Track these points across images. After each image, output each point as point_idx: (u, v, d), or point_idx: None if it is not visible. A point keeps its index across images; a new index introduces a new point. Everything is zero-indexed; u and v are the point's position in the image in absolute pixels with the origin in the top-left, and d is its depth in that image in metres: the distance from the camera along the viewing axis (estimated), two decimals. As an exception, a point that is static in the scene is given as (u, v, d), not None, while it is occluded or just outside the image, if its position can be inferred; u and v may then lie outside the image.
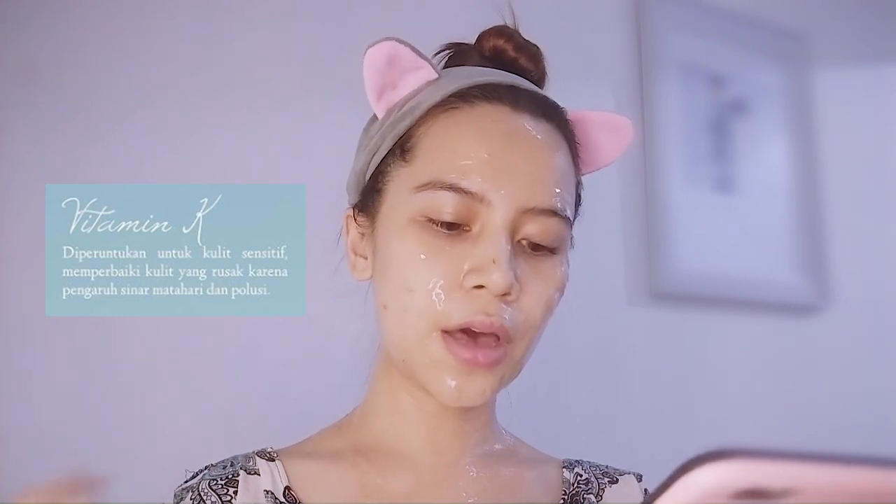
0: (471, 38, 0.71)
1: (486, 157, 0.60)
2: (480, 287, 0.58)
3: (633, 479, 0.71)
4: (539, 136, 0.62)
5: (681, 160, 1.40)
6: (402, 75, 0.64)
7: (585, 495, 0.68)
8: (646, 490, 0.71)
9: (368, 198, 0.66)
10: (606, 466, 0.72)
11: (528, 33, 0.71)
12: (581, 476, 0.69)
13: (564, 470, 0.70)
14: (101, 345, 0.96)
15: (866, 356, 1.56)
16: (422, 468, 0.64)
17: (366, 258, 0.66)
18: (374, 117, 0.67)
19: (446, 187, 0.60)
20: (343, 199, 0.71)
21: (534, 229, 0.61)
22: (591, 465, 0.72)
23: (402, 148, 0.63)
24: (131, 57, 1.02)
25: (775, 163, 1.53)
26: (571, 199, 0.64)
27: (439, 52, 0.71)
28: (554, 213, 0.61)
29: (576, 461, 0.72)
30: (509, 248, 0.59)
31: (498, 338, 0.59)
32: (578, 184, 0.67)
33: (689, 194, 1.40)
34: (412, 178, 0.62)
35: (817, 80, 1.58)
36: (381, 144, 0.65)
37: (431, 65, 0.65)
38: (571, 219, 0.64)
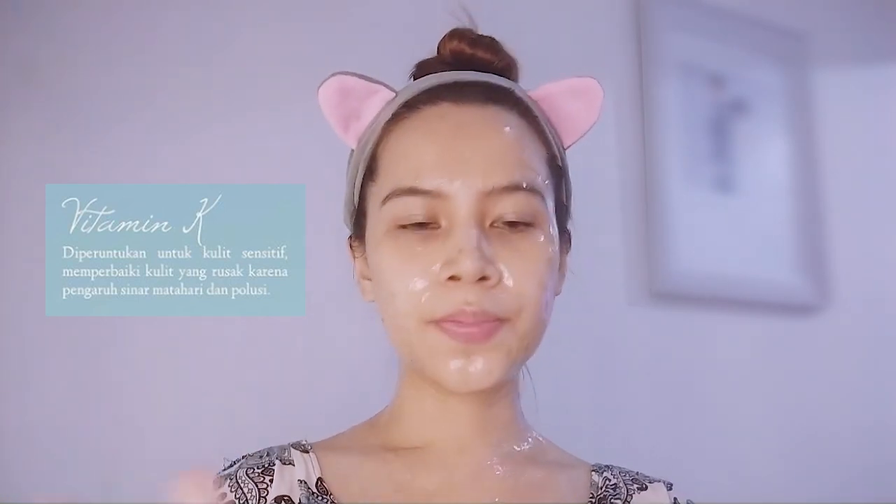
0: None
1: (435, 154, 0.62)
2: (456, 278, 0.59)
3: (662, 487, 0.71)
4: (488, 121, 0.64)
5: (681, 160, 1.40)
6: (361, 104, 0.67)
7: (613, 500, 0.68)
8: (675, 499, 0.70)
9: (357, 224, 0.68)
10: (637, 473, 0.72)
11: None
12: (610, 481, 0.69)
13: (594, 473, 0.70)
14: (101, 345, 0.96)
15: (866, 356, 1.56)
16: (451, 467, 0.65)
17: (370, 280, 0.68)
18: (352, 150, 0.70)
19: (405, 192, 0.62)
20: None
21: (502, 209, 0.61)
22: (621, 470, 0.72)
23: (370, 169, 0.66)
24: (131, 57, 1.02)
25: (775, 163, 1.52)
26: (542, 173, 0.64)
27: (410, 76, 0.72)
28: (517, 187, 0.62)
29: (606, 466, 0.71)
30: (476, 233, 0.60)
31: (489, 322, 0.60)
32: (555, 157, 0.67)
33: (689, 194, 1.39)
34: (379, 194, 0.64)
35: (817, 80, 1.58)
36: (356, 172, 0.68)
37: (386, 86, 0.67)
38: (543, 192, 0.64)
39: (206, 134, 1.04)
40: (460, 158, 0.62)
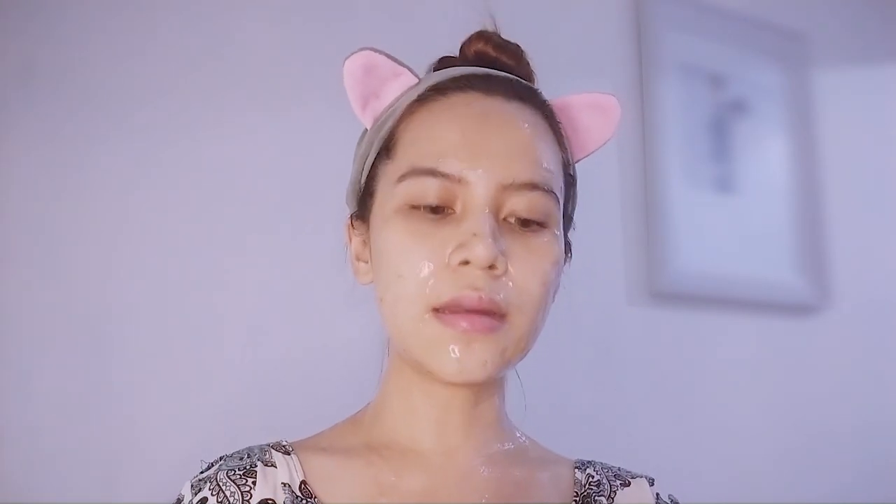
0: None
1: (459, 138, 0.62)
2: (466, 263, 0.59)
3: (645, 482, 0.71)
4: (513, 116, 0.64)
5: (681, 160, 1.40)
6: (383, 84, 0.67)
7: (597, 497, 0.67)
8: (657, 494, 0.71)
9: (363, 203, 0.67)
10: (619, 468, 0.72)
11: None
12: (593, 477, 0.69)
13: (576, 470, 0.70)
14: (102, 345, 0.96)
15: (866, 356, 1.56)
16: (435, 468, 0.65)
17: (367, 262, 0.67)
18: (365, 129, 0.69)
19: (424, 173, 0.61)
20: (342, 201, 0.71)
21: (517, 205, 0.61)
22: (603, 466, 0.72)
23: (386, 148, 0.65)
24: (131, 57, 1.02)
25: (775, 163, 1.53)
26: (558, 177, 0.65)
27: (429, 71, 0.72)
28: (535, 186, 0.62)
29: (588, 462, 0.71)
30: (491, 222, 0.60)
31: (492, 313, 0.59)
32: (568, 165, 0.68)
33: (689, 194, 1.40)
34: (394, 172, 0.63)
35: (817, 80, 1.58)
36: (369, 150, 0.67)
37: (410, 71, 0.67)
38: (558, 195, 0.64)
39: (207, 134, 1.04)
40: (484, 147, 0.61)
